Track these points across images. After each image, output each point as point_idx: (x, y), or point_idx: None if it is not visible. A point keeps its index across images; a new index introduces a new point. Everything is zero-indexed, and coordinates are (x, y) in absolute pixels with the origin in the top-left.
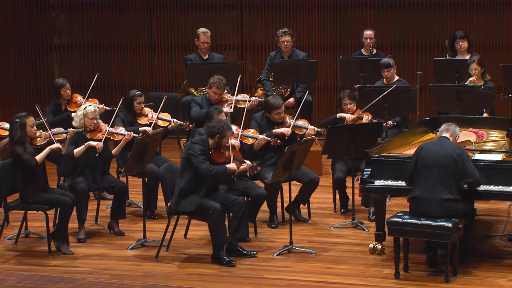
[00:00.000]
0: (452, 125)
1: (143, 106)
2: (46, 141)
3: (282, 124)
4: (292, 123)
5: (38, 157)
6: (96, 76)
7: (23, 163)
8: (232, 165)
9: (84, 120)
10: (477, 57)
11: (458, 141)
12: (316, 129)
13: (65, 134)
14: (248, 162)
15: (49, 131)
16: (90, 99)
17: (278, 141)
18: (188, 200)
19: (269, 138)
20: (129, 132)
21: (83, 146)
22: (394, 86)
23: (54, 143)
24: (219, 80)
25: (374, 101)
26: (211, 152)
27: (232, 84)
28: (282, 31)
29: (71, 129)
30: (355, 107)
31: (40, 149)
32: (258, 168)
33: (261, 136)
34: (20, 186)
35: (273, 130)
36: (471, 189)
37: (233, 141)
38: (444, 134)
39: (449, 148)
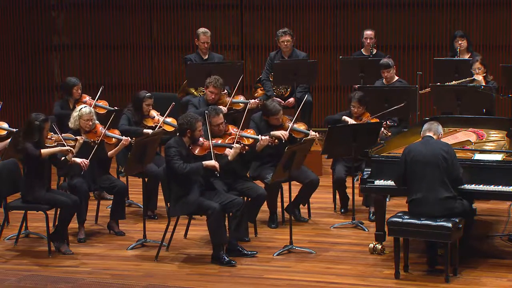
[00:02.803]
0: (435, 124)
1: (151, 108)
2: (56, 144)
3: (281, 127)
4: (290, 126)
5: (44, 151)
6: (101, 88)
7: (28, 155)
8: (210, 162)
9: (79, 121)
10: (480, 56)
11: (458, 141)
12: (317, 135)
13: (72, 141)
14: (235, 145)
15: (60, 135)
16: (100, 100)
17: (276, 140)
18: (185, 203)
19: (270, 139)
20: (126, 138)
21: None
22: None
23: (65, 146)
24: (215, 80)
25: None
26: (191, 149)
27: (232, 84)
28: (282, 31)
29: (79, 137)
30: (363, 111)
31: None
32: (247, 148)
33: (263, 137)
34: (22, 184)
35: (271, 132)
36: (468, 189)
37: (236, 145)
38: (428, 134)
39: (437, 146)
